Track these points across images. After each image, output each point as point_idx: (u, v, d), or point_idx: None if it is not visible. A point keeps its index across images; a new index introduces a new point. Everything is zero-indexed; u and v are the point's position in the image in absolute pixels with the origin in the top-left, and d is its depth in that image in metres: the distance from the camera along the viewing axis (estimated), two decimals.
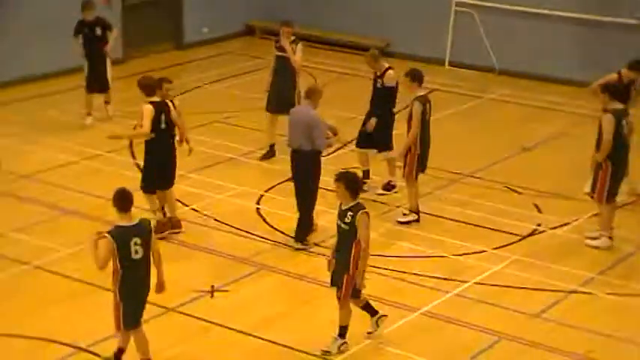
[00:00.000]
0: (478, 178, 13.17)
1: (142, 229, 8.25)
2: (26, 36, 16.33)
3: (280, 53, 13.42)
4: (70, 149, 13.66)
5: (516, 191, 12.77)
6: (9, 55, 16.10)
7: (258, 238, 11.28)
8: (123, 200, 8.24)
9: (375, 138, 12.35)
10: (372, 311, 9.20)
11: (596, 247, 11.18)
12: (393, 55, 18.47)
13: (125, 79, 16.64)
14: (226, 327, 9.41)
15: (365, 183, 12.08)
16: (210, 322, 9.48)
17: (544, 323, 9.69)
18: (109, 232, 8.18)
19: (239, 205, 12.15)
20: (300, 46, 13.41)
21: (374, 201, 12.25)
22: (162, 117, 11.05)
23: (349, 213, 8.71)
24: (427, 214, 11.94)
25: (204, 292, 10.03)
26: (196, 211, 11.92)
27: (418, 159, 11.47)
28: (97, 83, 14.48)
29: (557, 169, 13.58)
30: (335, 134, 11.34)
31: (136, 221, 8.26)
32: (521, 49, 17.79)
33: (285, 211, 11.83)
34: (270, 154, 13.63)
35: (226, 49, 19.08)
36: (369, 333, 9.22)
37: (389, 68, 12.35)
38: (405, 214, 11.76)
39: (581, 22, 17.19)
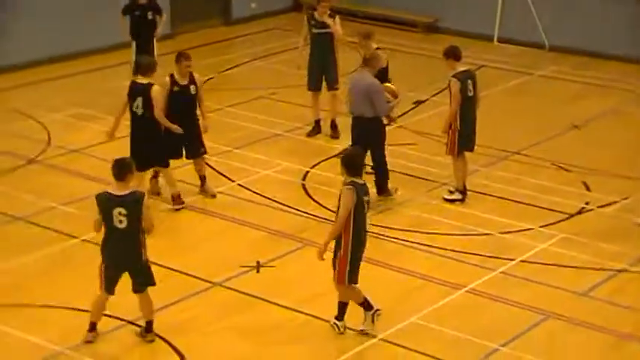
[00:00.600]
0: (526, 155, 13.08)
1: (128, 200, 8.28)
2: (77, 11, 16.50)
3: (319, 30, 13.31)
4: (120, 125, 13.80)
5: (565, 169, 12.66)
6: (58, 30, 16.29)
7: (304, 214, 11.34)
8: (119, 169, 8.35)
9: None
10: (367, 306, 8.97)
11: None
12: (442, 30, 18.36)
13: (173, 54, 16.77)
14: (272, 302, 9.50)
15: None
16: (256, 297, 9.57)
17: (592, 302, 9.63)
18: (96, 195, 8.31)
19: (285, 181, 12.21)
20: (337, 19, 13.37)
21: (423, 178, 12.21)
22: (140, 101, 10.79)
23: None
24: (474, 191, 11.88)
25: (250, 267, 10.11)
26: (242, 186, 12.00)
27: (459, 135, 11.37)
28: None
29: (607, 148, 13.42)
30: (396, 97, 11.31)
31: (126, 192, 8.31)
32: (571, 24, 17.53)
33: (331, 187, 11.85)
34: (316, 130, 13.65)
35: (274, 24, 19.09)
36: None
37: (377, 49, 11.99)
38: (451, 192, 11.72)
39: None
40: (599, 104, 15.11)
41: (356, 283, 8.85)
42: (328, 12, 13.35)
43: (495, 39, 18.22)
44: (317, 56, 13.44)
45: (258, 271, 10.08)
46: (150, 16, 14.34)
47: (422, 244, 10.66)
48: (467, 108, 11.37)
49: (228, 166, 12.50)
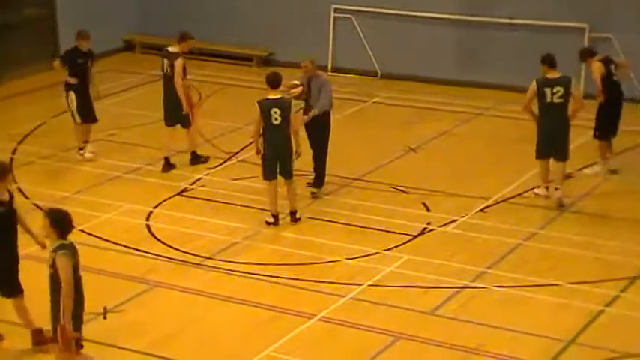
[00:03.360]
0: (367, 181, 13.38)
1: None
2: None
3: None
4: None
5: (405, 192, 13.02)
6: None
7: (150, 256, 11.18)
8: None
9: None
10: None
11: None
12: (277, 63, 18.59)
13: (2, 100, 16.34)
14: (122, 347, 9.30)
15: None
16: (105, 343, 9.33)
17: (439, 320, 9.90)
18: None
19: (128, 223, 12.02)
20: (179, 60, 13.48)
21: (261, 209, 12.29)
22: None
23: None
24: (318, 219, 12.07)
25: (96, 314, 9.86)
26: (84, 232, 11.72)
27: (264, 160, 11.73)
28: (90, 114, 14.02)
29: (442, 169, 13.89)
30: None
31: None
32: (401, 52, 18.11)
33: (176, 226, 11.78)
34: (170, 166, 13.64)
35: (105, 66, 18.78)
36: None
37: None
38: (273, 216, 11.97)
39: (458, 23, 17.63)
40: (432, 127, 15.63)
41: None
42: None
43: (329, 69, 18.61)
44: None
45: (105, 317, 9.82)
46: (90, 63, 13.88)
47: (271, 276, 10.71)
48: (271, 134, 11.59)
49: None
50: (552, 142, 12.35)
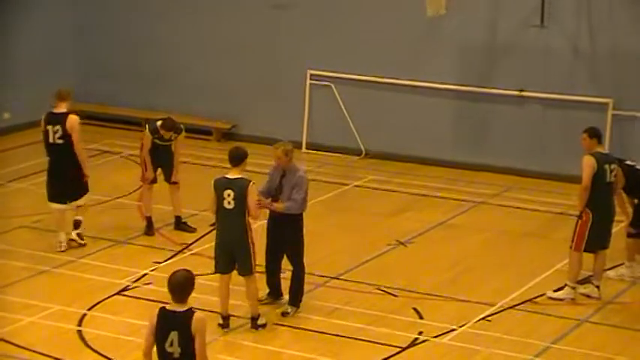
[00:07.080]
0: (346, 280, 13.43)
1: None
2: None
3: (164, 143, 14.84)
4: None
5: (392, 294, 13.08)
6: None
7: None
8: None
9: None
10: None
11: (560, 299, 12.54)
12: (241, 138, 18.79)
13: None
14: None
15: None
16: None
17: None
18: None
19: (56, 329, 11.97)
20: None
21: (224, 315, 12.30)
22: None
23: None
24: (286, 325, 12.09)
25: None
26: (0, 339, 11.68)
27: (215, 251, 11.86)
28: None
29: (437, 267, 13.98)
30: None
31: None
32: (390, 127, 18.35)
33: (114, 333, 11.74)
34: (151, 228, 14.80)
35: (35, 137, 18.93)
36: None
37: None
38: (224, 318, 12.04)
39: (458, 94, 17.85)
40: (425, 217, 15.75)
41: None
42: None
43: (303, 145, 18.81)
44: None
45: None
46: None
47: None
48: (223, 220, 11.69)
49: None
50: (609, 229, 12.62)
